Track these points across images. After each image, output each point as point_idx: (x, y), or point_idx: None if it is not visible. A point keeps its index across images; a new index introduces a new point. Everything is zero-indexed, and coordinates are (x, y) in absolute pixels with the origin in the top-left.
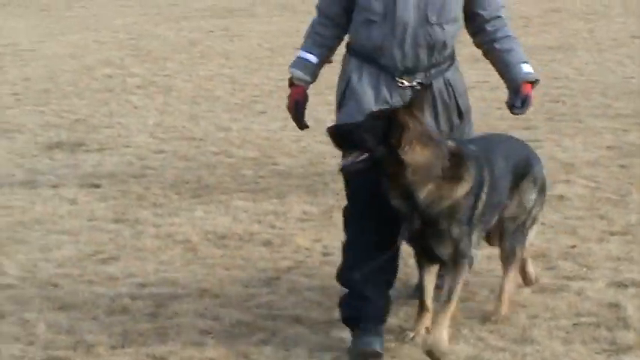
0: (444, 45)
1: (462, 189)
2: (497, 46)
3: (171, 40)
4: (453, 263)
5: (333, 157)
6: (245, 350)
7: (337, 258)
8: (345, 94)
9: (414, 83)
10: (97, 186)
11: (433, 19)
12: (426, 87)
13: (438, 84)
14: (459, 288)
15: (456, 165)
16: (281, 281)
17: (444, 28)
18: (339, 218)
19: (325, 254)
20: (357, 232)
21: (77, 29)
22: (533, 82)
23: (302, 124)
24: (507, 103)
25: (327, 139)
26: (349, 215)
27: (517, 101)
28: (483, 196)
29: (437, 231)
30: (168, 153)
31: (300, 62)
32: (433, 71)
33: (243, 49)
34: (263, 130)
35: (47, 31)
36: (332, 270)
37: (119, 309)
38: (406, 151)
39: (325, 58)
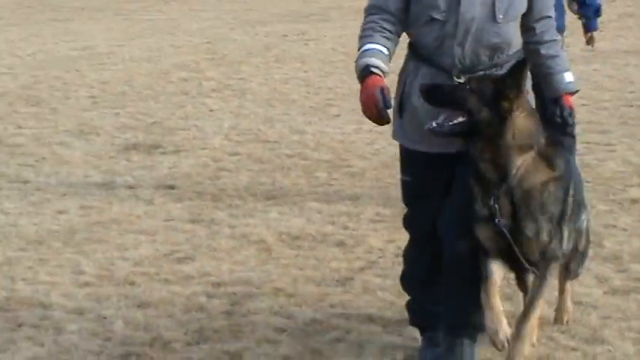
0: (509, 45)
1: (555, 173)
2: (542, 50)
3: (247, 43)
4: (543, 266)
5: None
6: (319, 348)
7: None
8: (402, 100)
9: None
10: (173, 187)
11: (500, 16)
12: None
13: None
14: (542, 296)
15: (549, 146)
16: (354, 281)
17: (509, 27)
18: None
19: (398, 255)
20: (417, 243)
21: (153, 33)
22: (574, 92)
23: (387, 117)
24: (550, 116)
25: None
26: (408, 226)
27: (566, 116)
28: (571, 191)
29: (528, 217)
30: (243, 155)
31: (371, 52)
32: (494, 70)
33: (318, 53)
34: (337, 132)
35: (124, 34)
36: None
37: (195, 307)
38: (515, 116)
39: (392, 55)
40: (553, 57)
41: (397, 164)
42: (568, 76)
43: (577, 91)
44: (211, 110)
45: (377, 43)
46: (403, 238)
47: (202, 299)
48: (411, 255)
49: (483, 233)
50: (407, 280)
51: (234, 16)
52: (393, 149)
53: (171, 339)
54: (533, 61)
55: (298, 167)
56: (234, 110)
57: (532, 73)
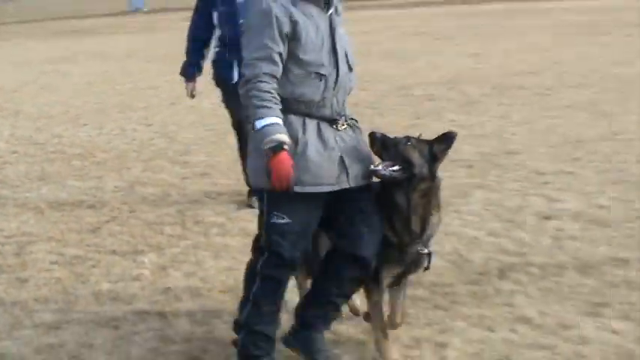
0: None
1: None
2: None
3: (19, 78)
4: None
5: (133, 151)
6: None
7: (140, 214)
8: (295, 152)
9: (345, 125)
10: None
11: (351, 66)
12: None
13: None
14: None
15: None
16: (102, 230)
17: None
18: (139, 189)
19: (132, 211)
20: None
21: None
22: None
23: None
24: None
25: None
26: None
27: None
28: None
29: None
30: (20, 153)
31: (279, 128)
32: (346, 116)
33: (69, 83)
34: (85, 136)
35: None
36: (135, 221)
37: None
38: (439, 178)
39: None
40: None
41: (126, 156)
42: None
43: None
44: None
45: (278, 117)
46: (134, 200)
47: None
48: (273, 285)
49: (394, 267)
50: (256, 311)
51: (9, 60)
52: (125, 146)
53: None
54: None
55: (60, 159)
56: (12, 124)
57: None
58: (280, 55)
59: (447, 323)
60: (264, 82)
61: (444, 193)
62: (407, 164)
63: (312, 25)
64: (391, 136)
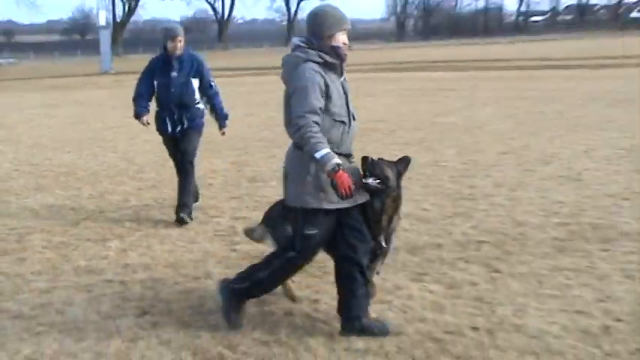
0: None
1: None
2: None
3: (19, 119)
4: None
5: (103, 170)
6: None
7: (108, 213)
8: (315, 179)
9: (353, 160)
10: None
11: (355, 117)
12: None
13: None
14: None
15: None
16: (80, 224)
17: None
18: (107, 196)
19: (101, 212)
20: (299, 265)
21: None
22: None
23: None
24: None
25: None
26: (304, 258)
27: None
28: None
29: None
30: (21, 171)
31: (333, 155)
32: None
33: (56, 122)
34: (69, 160)
35: None
36: (104, 218)
37: None
38: (400, 188)
39: None
40: None
41: (102, 173)
42: None
43: None
44: (0, 151)
45: (329, 148)
46: (112, 208)
47: None
48: (289, 270)
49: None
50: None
51: (12, 106)
52: (97, 167)
53: None
54: None
55: (50, 176)
56: (14, 151)
57: None
58: (321, 109)
59: (320, 286)
60: (314, 127)
61: None
62: (386, 179)
63: (335, 88)
64: (374, 158)
